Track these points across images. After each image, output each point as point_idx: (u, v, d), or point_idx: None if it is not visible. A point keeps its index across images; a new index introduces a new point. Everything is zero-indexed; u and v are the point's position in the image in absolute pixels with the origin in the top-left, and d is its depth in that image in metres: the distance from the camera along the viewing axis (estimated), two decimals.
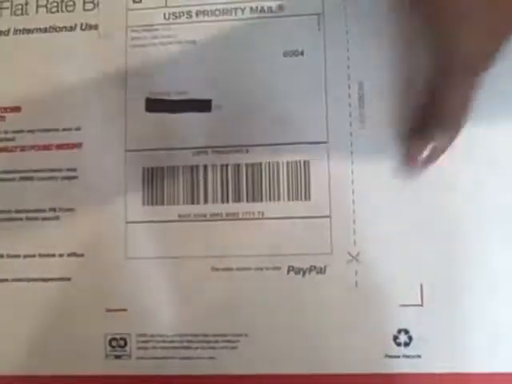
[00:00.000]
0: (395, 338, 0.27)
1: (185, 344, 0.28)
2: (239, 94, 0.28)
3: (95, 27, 0.30)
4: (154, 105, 0.29)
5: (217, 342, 0.28)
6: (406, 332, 0.27)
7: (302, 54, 0.28)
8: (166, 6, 0.30)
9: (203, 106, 0.28)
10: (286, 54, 0.28)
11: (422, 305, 0.27)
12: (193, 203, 0.28)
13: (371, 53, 0.28)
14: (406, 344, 0.27)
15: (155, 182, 0.28)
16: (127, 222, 0.28)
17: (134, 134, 0.29)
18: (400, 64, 0.27)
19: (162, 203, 0.28)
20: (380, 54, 0.28)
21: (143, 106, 0.29)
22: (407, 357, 0.27)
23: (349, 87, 0.28)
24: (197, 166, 0.28)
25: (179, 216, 0.28)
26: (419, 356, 0.27)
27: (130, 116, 0.29)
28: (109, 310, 0.28)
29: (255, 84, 0.28)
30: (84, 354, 0.28)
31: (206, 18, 0.29)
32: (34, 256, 0.28)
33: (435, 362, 0.27)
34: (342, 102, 0.28)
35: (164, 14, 0.30)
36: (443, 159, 0.26)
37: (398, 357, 0.27)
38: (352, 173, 0.27)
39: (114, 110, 0.29)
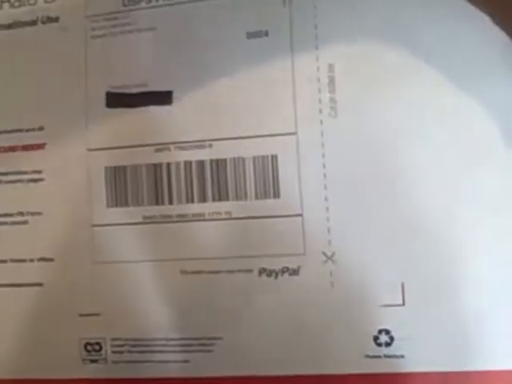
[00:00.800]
0: (376, 338, 0.25)
1: (159, 348, 0.27)
2: (201, 83, 0.26)
3: (56, 20, 0.28)
4: (114, 100, 0.27)
5: (191, 345, 0.26)
6: (387, 332, 0.25)
7: (266, 34, 0.25)
8: None
9: (163, 98, 0.26)
10: (249, 36, 0.25)
11: (403, 304, 0.24)
12: (157, 204, 0.26)
13: (342, 30, 0.25)
14: (388, 344, 0.25)
15: (118, 182, 0.27)
16: (93, 225, 0.27)
17: (96, 132, 0.27)
18: (375, 42, 0.24)
19: (126, 205, 0.27)
20: (352, 31, 0.24)
21: (104, 101, 0.27)
22: (389, 357, 0.25)
23: (318, 69, 0.25)
24: (159, 164, 0.26)
25: (144, 218, 0.26)
26: (402, 356, 0.25)
27: (91, 112, 0.27)
28: (82, 315, 0.27)
29: (218, 71, 0.26)
30: (61, 358, 0.28)
31: (167, 2, 0.27)
32: (5, 262, 0.28)
33: (419, 362, 0.25)
34: (310, 87, 0.25)
35: (123, 0, 0.27)
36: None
37: (379, 357, 0.25)
38: (324, 166, 0.25)
39: (75, 106, 0.27)
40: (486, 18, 0.24)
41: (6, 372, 0.28)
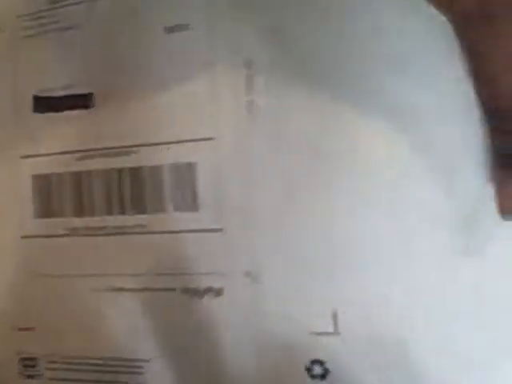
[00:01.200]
0: (309, 369, 0.22)
1: (90, 367, 0.25)
2: (122, 84, 0.24)
3: None
4: (41, 104, 0.25)
5: (121, 366, 0.25)
6: (322, 363, 0.22)
7: (186, 29, 0.23)
8: None
9: (84, 101, 0.24)
10: (168, 30, 0.23)
11: (336, 333, 0.21)
12: (80, 216, 0.25)
13: (262, 21, 0.21)
14: (323, 376, 0.22)
15: (44, 191, 0.25)
16: (22, 237, 0.26)
17: (26, 138, 0.26)
18: (296, 36, 0.21)
19: (51, 216, 0.25)
20: (272, 22, 0.21)
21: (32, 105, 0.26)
22: None
23: (237, 67, 0.22)
24: (81, 173, 0.25)
25: (67, 230, 0.25)
26: None
27: (21, 118, 0.26)
28: (20, 329, 0.26)
29: (138, 70, 0.24)
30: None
31: None
32: None
33: None
34: (230, 87, 0.22)
35: None
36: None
37: None
38: (247, 175, 0.22)
39: (7, 111, 0.26)
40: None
41: None
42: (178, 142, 0.23)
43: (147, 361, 0.24)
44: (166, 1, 0.23)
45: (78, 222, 0.25)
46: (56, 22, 0.25)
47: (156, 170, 0.23)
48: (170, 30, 0.23)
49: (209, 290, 0.23)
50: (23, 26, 0.26)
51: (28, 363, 0.26)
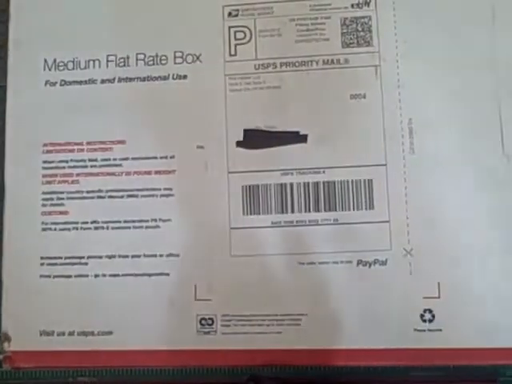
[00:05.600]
0: (421, 316, 0.35)
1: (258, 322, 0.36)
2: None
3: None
4: (250, 136, 0.37)
5: (284, 319, 0.36)
6: (430, 311, 0.35)
7: (364, 97, 0.36)
8: None
9: (295, 138, 0.37)
10: (351, 97, 0.37)
11: (439, 297, 0.35)
12: (283, 212, 0.36)
13: (418, 93, 0.36)
14: (430, 321, 0.35)
15: (252, 196, 0.36)
16: (231, 228, 0.36)
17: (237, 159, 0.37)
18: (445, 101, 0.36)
19: (258, 213, 0.36)
20: (425, 94, 0.36)
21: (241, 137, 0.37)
22: (431, 331, 0.35)
23: (401, 122, 0.36)
24: (285, 184, 0.36)
25: (272, 223, 0.36)
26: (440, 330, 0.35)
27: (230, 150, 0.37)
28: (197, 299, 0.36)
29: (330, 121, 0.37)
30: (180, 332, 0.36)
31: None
32: None
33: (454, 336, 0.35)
34: (395, 134, 0.36)
35: (255, 65, 0.38)
36: None
37: (424, 331, 0.35)
38: (405, 188, 0.36)
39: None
40: None
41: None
42: (360, 166, 0.36)
43: (305, 315, 0.36)
44: (350, 76, 0.37)
45: (281, 217, 0.36)
46: (259, 82, 0.37)
47: (345, 183, 0.36)
48: (353, 97, 0.36)
49: (376, 261, 0.35)
50: (230, 82, 0.38)
51: (206, 322, 0.36)
